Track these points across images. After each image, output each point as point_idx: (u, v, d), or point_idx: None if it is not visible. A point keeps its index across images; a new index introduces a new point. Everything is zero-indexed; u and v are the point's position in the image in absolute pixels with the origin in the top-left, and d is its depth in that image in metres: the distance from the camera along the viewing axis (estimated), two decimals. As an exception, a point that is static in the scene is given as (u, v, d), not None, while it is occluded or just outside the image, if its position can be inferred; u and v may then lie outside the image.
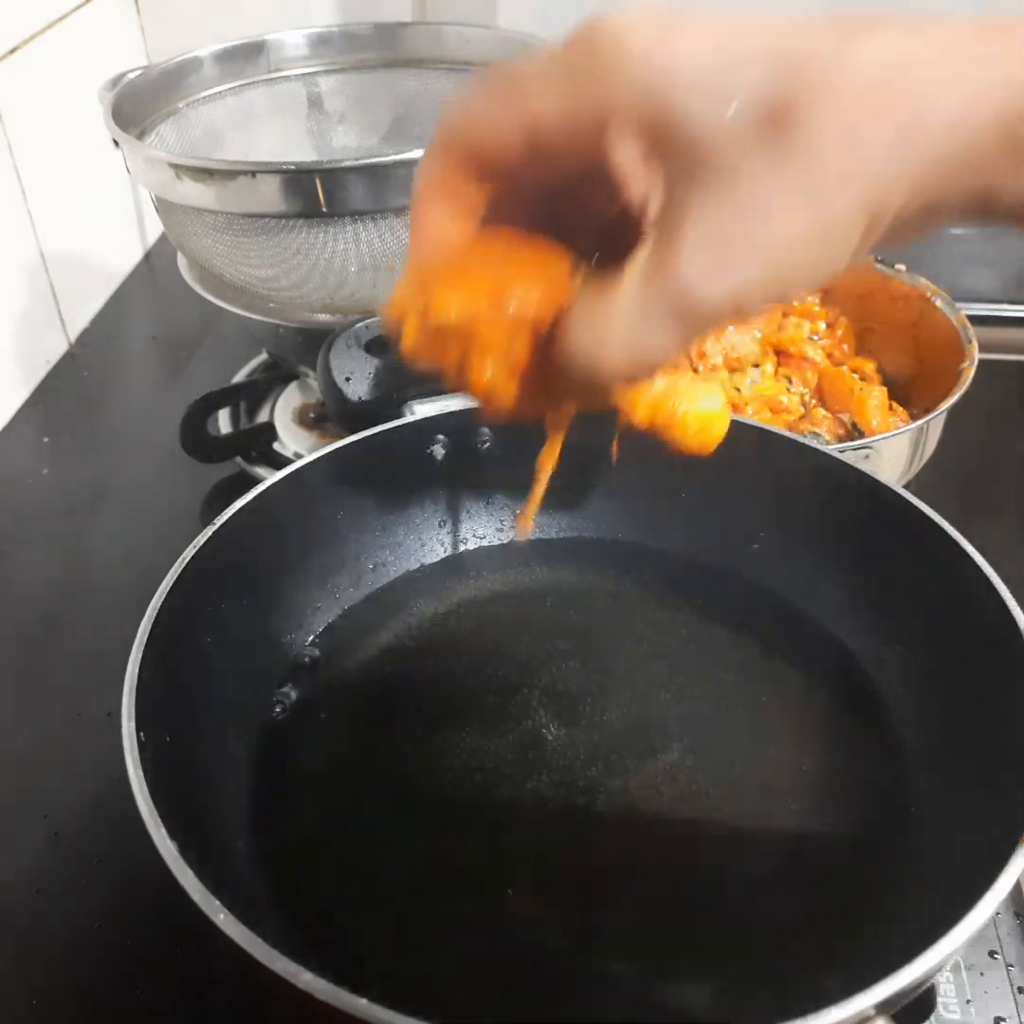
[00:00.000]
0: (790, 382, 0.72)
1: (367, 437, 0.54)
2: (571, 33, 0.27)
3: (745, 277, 0.26)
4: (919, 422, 0.62)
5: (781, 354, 0.73)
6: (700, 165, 0.25)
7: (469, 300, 0.30)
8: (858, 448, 0.60)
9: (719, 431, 0.38)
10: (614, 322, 0.27)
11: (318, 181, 0.59)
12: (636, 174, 0.27)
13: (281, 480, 0.51)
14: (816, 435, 0.65)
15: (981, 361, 0.65)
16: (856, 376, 0.69)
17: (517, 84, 0.27)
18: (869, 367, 0.72)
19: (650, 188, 0.28)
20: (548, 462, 0.38)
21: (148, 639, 0.41)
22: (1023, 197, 0.26)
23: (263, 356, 0.81)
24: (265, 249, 0.64)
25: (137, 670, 0.40)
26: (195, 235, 0.66)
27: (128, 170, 0.67)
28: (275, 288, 0.66)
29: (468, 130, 0.29)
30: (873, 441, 0.61)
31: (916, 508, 0.48)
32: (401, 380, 0.57)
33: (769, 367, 0.72)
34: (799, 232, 0.25)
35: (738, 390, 0.69)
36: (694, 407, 0.37)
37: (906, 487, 0.51)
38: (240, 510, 0.49)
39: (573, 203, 0.30)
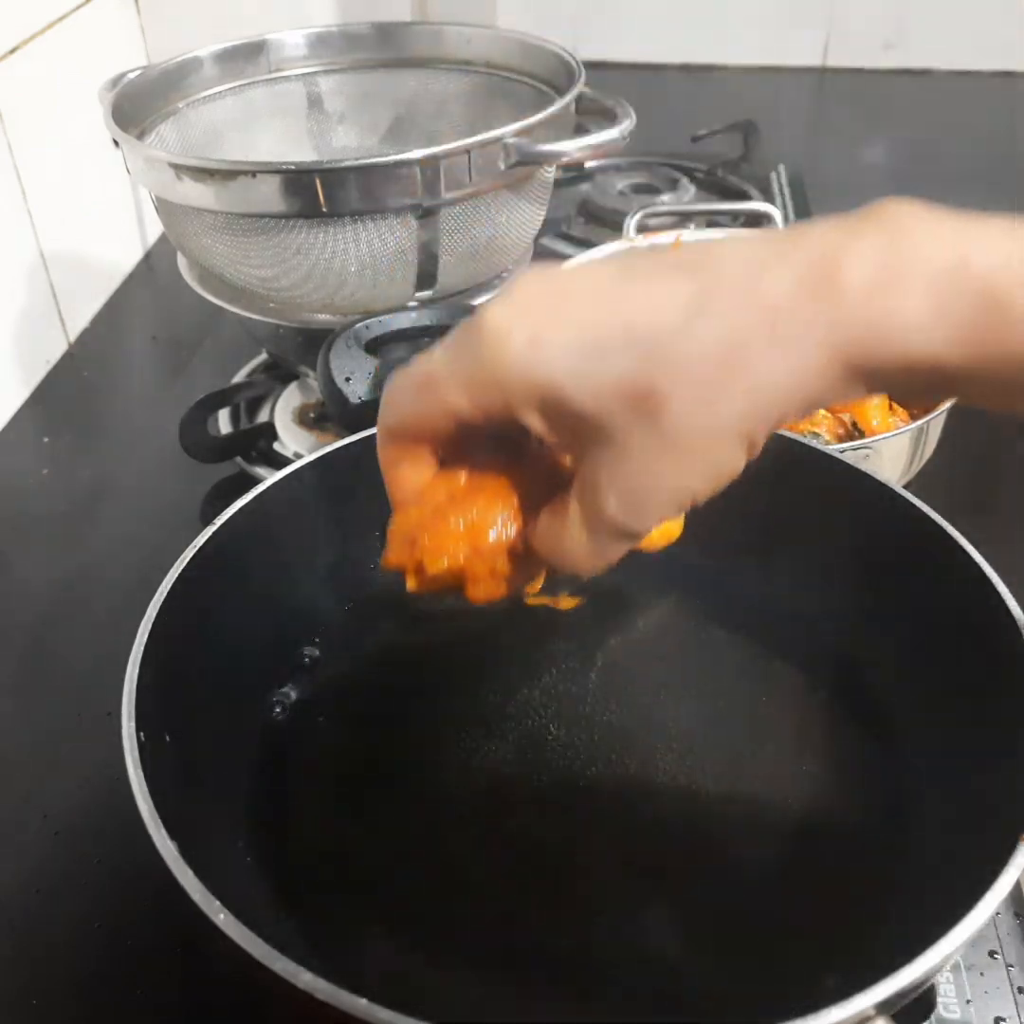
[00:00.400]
0: None
1: (367, 437, 0.54)
2: (457, 334, 0.32)
3: (661, 510, 0.32)
4: (919, 422, 0.62)
5: None
6: (595, 437, 0.30)
7: (454, 550, 0.36)
8: (858, 448, 0.60)
9: (675, 535, 0.44)
10: (569, 541, 0.34)
11: (318, 181, 0.59)
12: (551, 438, 0.32)
13: (281, 480, 0.51)
14: (816, 435, 0.65)
15: (981, 361, 0.64)
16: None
17: (430, 385, 0.33)
18: None
19: (565, 448, 0.33)
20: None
21: (148, 639, 0.41)
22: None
23: (263, 356, 0.81)
24: (265, 249, 0.64)
25: (137, 670, 0.40)
26: (195, 235, 0.66)
27: (128, 170, 0.67)
28: (275, 288, 0.66)
29: (402, 423, 0.35)
30: (873, 441, 0.61)
31: (916, 508, 0.48)
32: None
33: None
34: (692, 473, 0.31)
35: None
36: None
37: (906, 487, 0.51)
38: (240, 510, 0.49)
39: (516, 436, 0.35)
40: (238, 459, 0.72)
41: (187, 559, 0.45)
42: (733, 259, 0.29)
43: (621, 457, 0.31)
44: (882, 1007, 0.30)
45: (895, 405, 0.67)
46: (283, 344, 0.74)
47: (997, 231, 0.28)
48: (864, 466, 0.51)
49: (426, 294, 0.67)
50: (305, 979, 0.30)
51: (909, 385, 0.29)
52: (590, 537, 0.33)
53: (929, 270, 0.27)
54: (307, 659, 0.52)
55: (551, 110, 0.64)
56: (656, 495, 0.32)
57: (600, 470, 0.31)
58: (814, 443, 0.54)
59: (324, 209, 0.60)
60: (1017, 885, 0.33)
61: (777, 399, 0.29)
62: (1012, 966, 0.44)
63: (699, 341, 0.29)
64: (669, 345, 0.29)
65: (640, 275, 0.30)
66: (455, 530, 0.37)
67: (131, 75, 0.71)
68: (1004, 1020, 0.42)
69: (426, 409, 0.34)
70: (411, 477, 0.38)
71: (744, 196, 1.05)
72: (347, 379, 0.58)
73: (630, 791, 0.45)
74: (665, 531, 0.44)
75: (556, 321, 0.30)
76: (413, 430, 0.35)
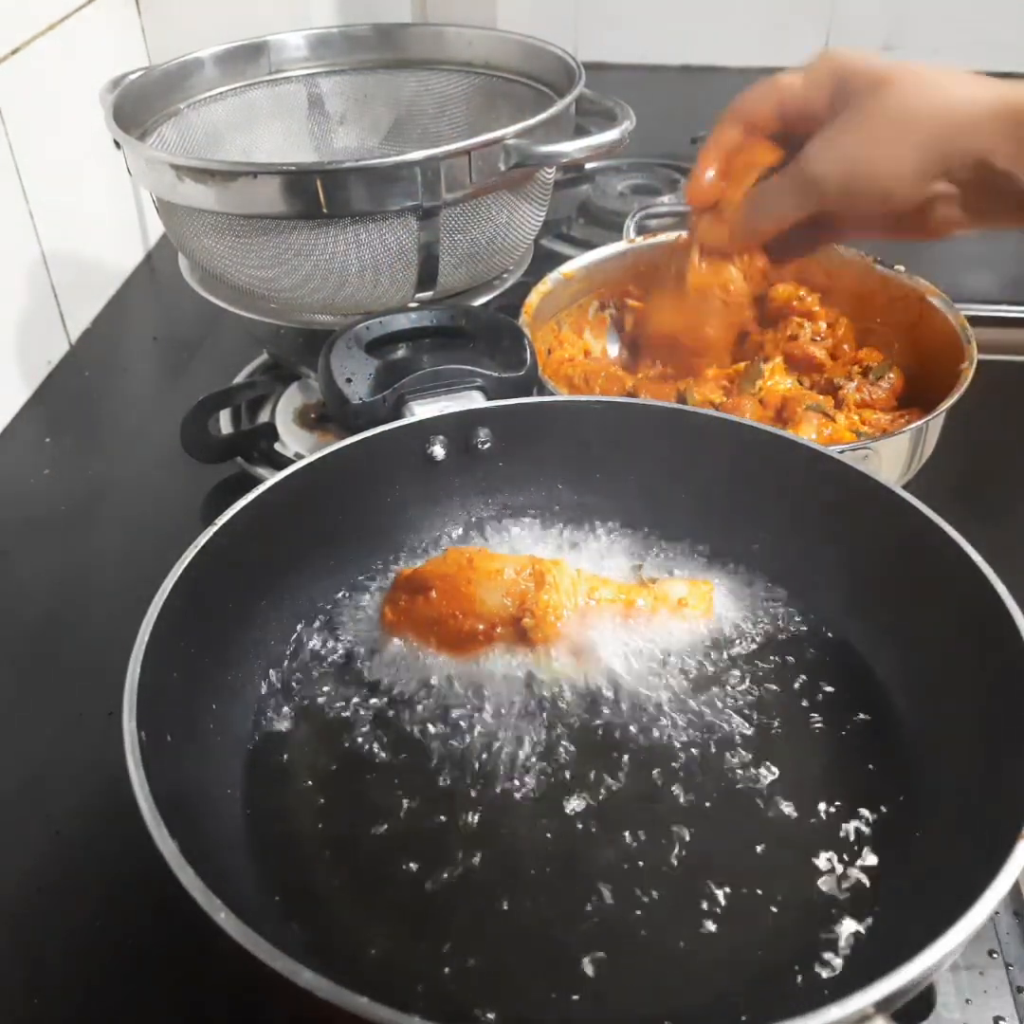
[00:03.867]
0: (800, 382, 0.72)
1: (367, 438, 0.54)
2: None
3: (843, 161, 0.52)
4: (918, 422, 0.62)
5: (787, 356, 0.73)
6: (848, 100, 0.51)
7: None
8: (857, 448, 0.60)
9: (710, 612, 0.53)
10: (765, 192, 0.56)
11: (319, 182, 0.59)
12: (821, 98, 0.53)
13: (282, 480, 0.51)
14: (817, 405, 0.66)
15: (980, 361, 0.65)
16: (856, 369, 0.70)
17: (776, 78, 0.55)
18: (876, 358, 0.72)
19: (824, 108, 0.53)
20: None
21: (149, 639, 0.41)
22: (1010, 165, 0.48)
23: (264, 357, 0.81)
24: (266, 250, 0.64)
25: (138, 670, 0.40)
26: (196, 236, 0.67)
27: (129, 171, 0.67)
28: (276, 289, 0.67)
29: (746, 105, 0.58)
30: (873, 442, 0.61)
31: (916, 508, 0.48)
32: (401, 381, 0.57)
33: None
34: (889, 157, 0.50)
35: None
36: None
37: (906, 487, 0.51)
38: (241, 510, 0.49)
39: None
40: (239, 459, 0.72)
41: (188, 559, 0.45)
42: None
43: (846, 117, 0.50)
44: (882, 1006, 0.30)
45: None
46: (284, 345, 0.74)
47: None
48: (863, 467, 0.51)
49: (426, 295, 0.67)
50: (305, 978, 0.30)
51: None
52: (777, 186, 0.54)
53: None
54: (308, 659, 0.52)
55: (551, 111, 0.64)
56: (840, 146, 0.51)
57: (829, 130, 0.51)
58: (814, 443, 0.55)
59: (325, 210, 0.60)
60: (1016, 885, 0.33)
61: (951, 116, 0.48)
62: (1011, 966, 0.44)
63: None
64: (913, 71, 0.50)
65: None
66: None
67: (132, 76, 0.71)
68: (1003, 1019, 0.42)
69: (766, 90, 0.55)
70: (731, 136, 0.58)
71: (744, 197, 1.05)
72: (348, 380, 0.58)
73: (628, 783, 0.45)
74: (706, 600, 0.52)
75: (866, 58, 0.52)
76: (747, 108, 0.56)
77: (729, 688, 0.50)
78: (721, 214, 0.59)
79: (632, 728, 0.48)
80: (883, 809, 0.45)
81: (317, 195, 0.60)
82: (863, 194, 0.52)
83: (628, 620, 0.51)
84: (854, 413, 0.68)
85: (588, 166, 1.05)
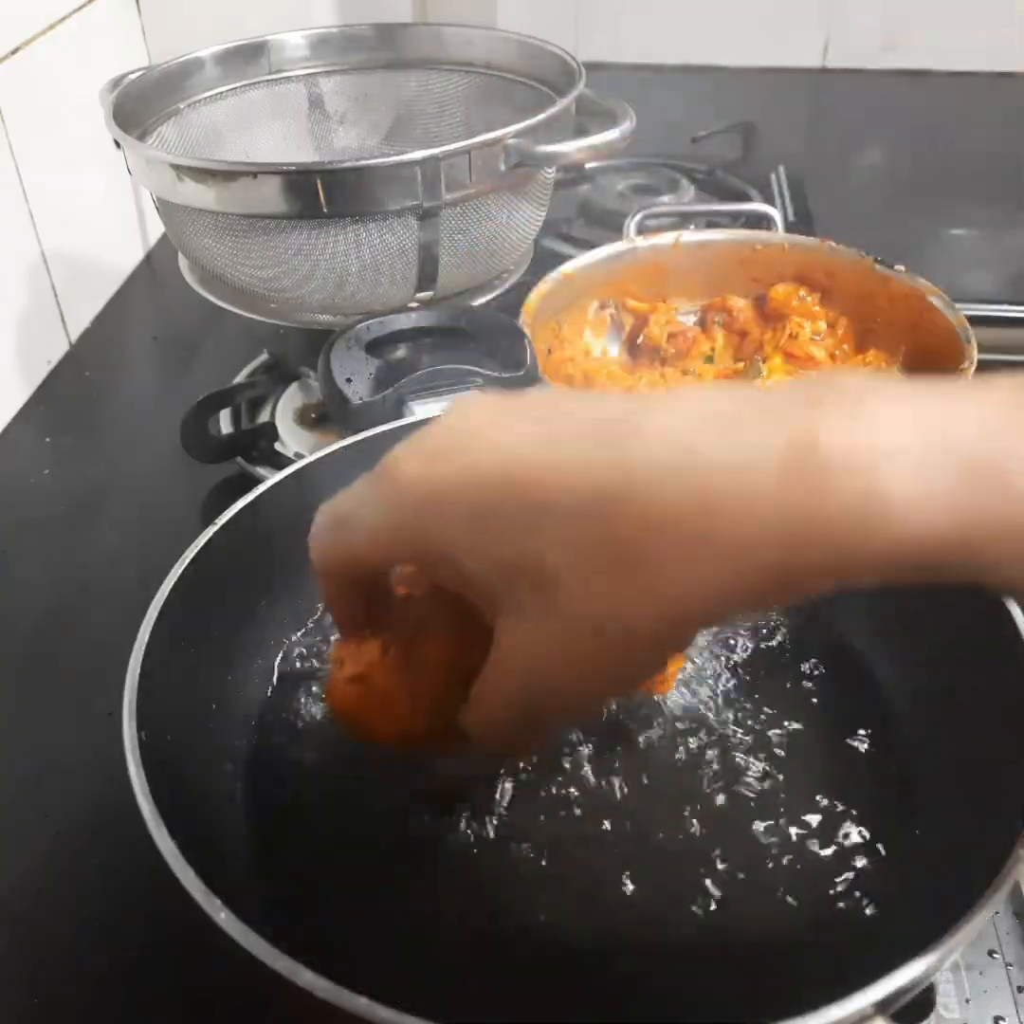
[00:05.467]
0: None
1: (368, 438, 0.54)
2: (370, 476, 0.32)
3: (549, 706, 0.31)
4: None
5: (787, 355, 0.73)
6: (493, 608, 0.30)
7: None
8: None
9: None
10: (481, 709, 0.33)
11: (319, 182, 0.59)
12: (466, 593, 0.32)
13: (282, 480, 0.51)
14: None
15: (980, 361, 0.65)
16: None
17: (340, 527, 0.34)
18: (881, 360, 0.72)
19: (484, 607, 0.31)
20: None
21: (149, 639, 0.41)
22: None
23: (264, 357, 0.81)
24: (266, 250, 0.64)
25: (138, 670, 0.40)
26: (196, 236, 0.67)
27: (129, 171, 0.67)
28: (276, 289, 0.67)
29: (323, 562, 0.36)
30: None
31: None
32: (401, 381, 0.57)
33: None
34: (584, 669, 0.29)
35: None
36: None
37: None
38: (241, 511, 0.49)
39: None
40: (239, 459, 0.72)
41: (188, 559, 0.45)
42: (659, 439, 0.26)
43: (513, 632, 0.29)
44: (881, 1006, 0.30)
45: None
46: (284, 345, 0.74)
47: (962, 398, 0.26)
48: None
49: (427, 295, 0.67)
50: (305, 978, 0.30)
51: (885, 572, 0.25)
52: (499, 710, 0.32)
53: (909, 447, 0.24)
54: (308, 659, 0.52)
55: (551, 111, 0.64)
56: (548, 686, 0.29)
57: (500, 640, 0.30)
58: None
59: (325, 210, 0.60)
60: (1017, 885, 0.33)
61: (695, 608, 0.26)
62: (1011, 965, 0.44)
63: (604, 527, 0.26)
64: (566, 525, 0.26)
65: (559, 437, 0.27)
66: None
67: (132, 76, 0.71)
68: (1003, 1019, 0.42)
69: (340, 550, 0.34)
70: (349, 612, 0.37)
71: (744, 197, 1.05)
72: (348, 380, 0.58)
73: (630, 773, 0.45)
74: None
75: (456, 477, 0.28)
76: (336, 568, 0.35)
77: (725, 687, 0.50)
78: None
79: (631, 725, 0.48)
80: (882, 809, 0.45)
81: (317, 195, 0.60)
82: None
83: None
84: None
85: (588, 166, 1.05)
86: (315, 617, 0.54)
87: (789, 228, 0.90)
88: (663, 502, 0.25)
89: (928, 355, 0.70)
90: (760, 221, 0.82)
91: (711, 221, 0.96)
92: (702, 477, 0.25)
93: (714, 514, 0.25)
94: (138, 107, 0.70)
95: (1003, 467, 0.24)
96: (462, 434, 0.29)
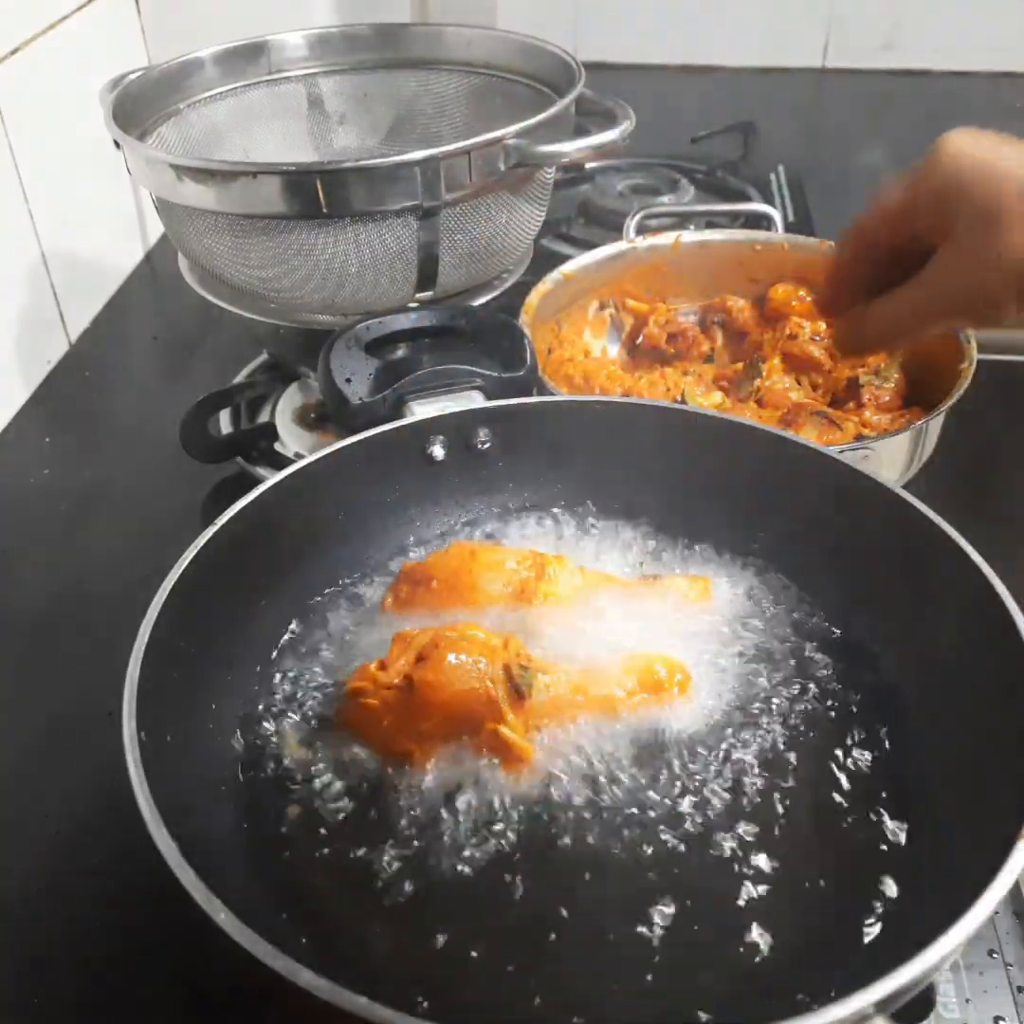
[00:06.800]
0: (798, 381, 0.72)
1: (367, 437, 0.54)
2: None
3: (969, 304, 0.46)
4: (918, 422, 0.62)
5: (787, 355, 0.73)
6: (950, 233, 0.45)
7: None
8: (857, 448, 0.60)
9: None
10: (894, 304, 0.48)
11: (319, 182, 0.59)
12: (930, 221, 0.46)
13: (282, 480, 0.51)
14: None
15: (980, 361, 0.65)
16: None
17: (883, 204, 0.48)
18: (880, 360, 0.72)
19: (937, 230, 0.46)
20: None
21: (149, 639, 0.41)
22: None
23: (264, 357, 0.81)
24: (265, 250, 0.64)
25: (138, 670, 0.40)
26: (196, 236, 0.67)
27: (129, 171, 0.67)
28: (275, 289, 0.67)
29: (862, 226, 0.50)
30: (872, 441, 0.61)
31: (916, 508, 0.48)
32: (401, 381, 0.57)
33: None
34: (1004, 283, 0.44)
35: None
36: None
37: (906, 487, 0.51)
38: (241, 510, 0.49)
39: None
40: (239, 459, 0.72)
41: (188, 559, 0.45)
42: None
43: (959, 242, 0.45)
44: (881, 1006, 0.30)
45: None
46: (284, 345, 0.74)
47: None
48: (863, 467, 0.51)
49: (426, 295, 0.67)
50: (305, 978, 0.30)
51: None
52: (915, 303, 0.47)
53: None
54: (308, 659, 0.52)
55: (551, 111, 0.64)
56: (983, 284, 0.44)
57: (945, 255, 0.45)
58: (813, 443, 0.55)
59: (325, 210, 0.60)
60: (1016, 885, 0.33)
61: None
62: (1011, 965, 0.44)
63: None
64: None
65: None
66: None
67: (132, 76, 0.71)
68: (1003, 1019, 0.42)
69: (877, 212, 0.48)
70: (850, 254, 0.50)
71: (743, 197, 1.05)
72: (347, 380, 0.58)
73: (632, 785, 0.45)
74: (704, 596, 0.53)
75: (988, 149, 0.45)
76: (859, 227, 0.49)
77: (729, 687, 0.50)
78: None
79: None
80: (882, 809, 0.45)
81: (317, 195, 0.60)
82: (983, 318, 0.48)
83: (627, 620, 0.51)
84: (859, 415, 0.68)
85: (588, 166, 1.05)
86: (315, 617, 0.54)
87: (789, 228, 0.90)
88: None
89: (928, 355, 0.70)
90: (760, 221, 0.82)
91: (711, 221, 0.96)
92: None
93: None
94: (138, 107, 0.70)
95: None
96: (986, 137, 0.46)
